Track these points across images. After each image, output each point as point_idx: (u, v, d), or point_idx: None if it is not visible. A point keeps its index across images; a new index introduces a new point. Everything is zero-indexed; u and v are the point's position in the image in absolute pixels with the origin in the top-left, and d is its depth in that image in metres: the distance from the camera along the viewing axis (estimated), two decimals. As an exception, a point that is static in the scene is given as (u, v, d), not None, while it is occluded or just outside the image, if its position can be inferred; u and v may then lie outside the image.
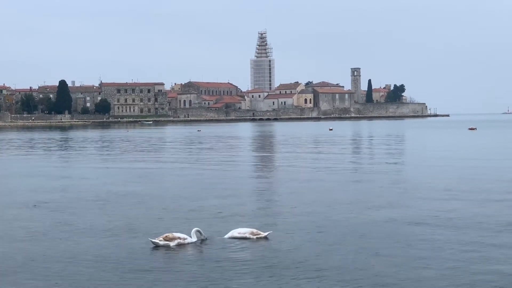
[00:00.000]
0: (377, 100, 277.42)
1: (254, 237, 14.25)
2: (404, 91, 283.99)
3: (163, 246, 13.58)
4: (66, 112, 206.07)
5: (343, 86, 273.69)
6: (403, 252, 12.98)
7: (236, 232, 14.40)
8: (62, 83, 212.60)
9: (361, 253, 12.95)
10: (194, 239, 13.95)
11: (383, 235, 14.64)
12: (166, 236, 13.75)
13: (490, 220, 16.29)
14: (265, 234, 14.44)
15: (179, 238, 13.76)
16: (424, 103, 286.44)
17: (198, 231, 14.13)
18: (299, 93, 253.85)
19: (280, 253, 13.02)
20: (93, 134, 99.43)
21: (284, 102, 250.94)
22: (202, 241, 14.06)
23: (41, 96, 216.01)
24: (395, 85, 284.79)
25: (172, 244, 13.61)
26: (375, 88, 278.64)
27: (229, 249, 13.39)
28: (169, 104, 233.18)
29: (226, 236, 14.41)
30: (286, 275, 11.37)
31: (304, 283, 10.94)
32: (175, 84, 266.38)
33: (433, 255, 12.63)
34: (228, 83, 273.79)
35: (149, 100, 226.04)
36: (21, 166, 36.37)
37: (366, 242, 13.89)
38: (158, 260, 12.67)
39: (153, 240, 13.70)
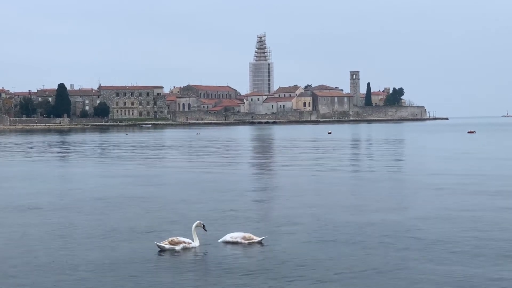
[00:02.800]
0: (376, 103, 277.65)
1: (246, 241, 14.20)
2: (403, 94, 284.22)
3: (169, 250, 13.60)
4: (65, 115, 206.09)
5: (342, 90, 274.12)
6: (403, 255, 12.95)
7: (228, 237, 14.43)
8: (61, 86, 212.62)
9: (359, 258, 12.91)
10: (197, 243, 14.00)
11: (382, 239, 14.60)
12: (171, 240, 13.78)
13: (489, 222, 16.28)
14: (259, 239, 14.36)
15: (184, 242, 13.82)
16: (423, 106, 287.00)
17: (198, 225, 14.27)
18: (298, 96, 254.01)
19: (272, 259, 12.91)
20: (92, 137, 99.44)
21: (283, 105, 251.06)
22: (203, 226, 14.27)
23: (40, 99, 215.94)
24: (394, 88, 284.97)
25: (177, 248, 13.66)
26: (374, 91, 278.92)
27: (220, 255, 13.34)
28: (168, 108, 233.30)
29: (219, 240, 14.44)
30: (275, 283, 11.28)
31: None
32: (174, 87, 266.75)
33: (433, 258, 12.61)
34: (227, 86, 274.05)
35: (148, 103, 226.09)
36: (20, 169, 36.33)
37: (364, 247, 13.86)
38: (150, 266, 12.65)
39: (159, 244, 13.71)
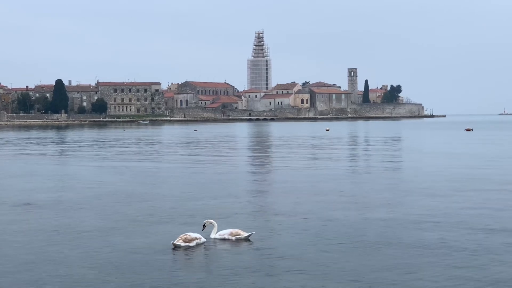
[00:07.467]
0: (373, 100, 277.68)
1: (233, 238, 14.29)
2: (400, 92, 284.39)
3: (183, 247, 13.66)
4: (63, 111, 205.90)
5: (339, 87, 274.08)
6: (399, 254, 12.95)
7: (217, 234, 14.55)
8: (59, 82, 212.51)
9: (348, 255, 12.88)
10: (201, 238, 14.19)
11: (376, 236, 14.57)
12: (185, 238, 13.85)
13: (487, 221, 16.32)
14: (246, 235, 14.41)
15: (196, 238, 13.97)
16: (421, 104, 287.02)
17: (211, 223, 14.60)
18: (295, 93, 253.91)
19: (259, 255, 12.94)
20: (90, 133, 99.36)
21: (281, 102, 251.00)
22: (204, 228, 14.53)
23: (37, 95, 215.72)
24: (391, 86, 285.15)
25: (191, 244, 13.77)
26: (371, 89, 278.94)
27: (210, 252, 13.46)
28: (166, 104, 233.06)
29: (210, 237, 14.56)
30: (257, 278, 11.28)
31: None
32: (171, 83, 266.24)
33: (429, 258, 12.62)
34: (225, 83, 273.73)
35: (145, 99, 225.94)
36: (18, 166, 36.28)
37: (356, 244, 13.83)
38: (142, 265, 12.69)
39: (175, 243, 13.72)
